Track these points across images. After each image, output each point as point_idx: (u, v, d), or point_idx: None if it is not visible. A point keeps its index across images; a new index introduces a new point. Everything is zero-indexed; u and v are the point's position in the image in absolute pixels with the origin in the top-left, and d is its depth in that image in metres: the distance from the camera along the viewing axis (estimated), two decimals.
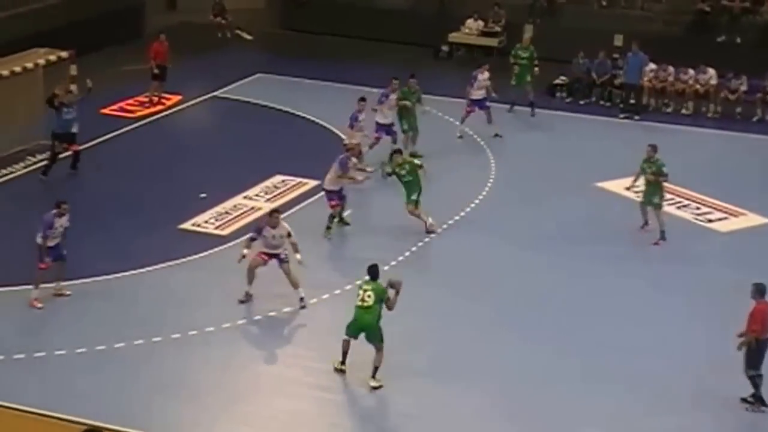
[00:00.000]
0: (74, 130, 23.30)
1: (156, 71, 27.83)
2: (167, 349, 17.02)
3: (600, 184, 23.75)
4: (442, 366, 16.89)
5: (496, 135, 26.43)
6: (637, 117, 28.54)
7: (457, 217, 22.00)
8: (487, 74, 26.55)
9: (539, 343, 17.52)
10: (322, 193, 21.34)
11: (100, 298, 18.45)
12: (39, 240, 17.94)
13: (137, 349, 16.93)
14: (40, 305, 17.89)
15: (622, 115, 28.73)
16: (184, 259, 19.74)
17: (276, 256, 18.31)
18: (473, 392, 16.22)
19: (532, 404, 16.03)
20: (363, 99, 23.64)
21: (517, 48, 28.98)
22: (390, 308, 16.50)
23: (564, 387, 16.41)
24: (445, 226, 21.56)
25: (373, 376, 16.29)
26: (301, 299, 18.30)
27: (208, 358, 16.96)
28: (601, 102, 29.73)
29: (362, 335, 16.37)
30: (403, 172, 21.06)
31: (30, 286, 18.04)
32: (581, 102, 29.69)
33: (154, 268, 19.41)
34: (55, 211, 18.02)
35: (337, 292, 18.78)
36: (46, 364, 16.44)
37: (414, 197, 21.03)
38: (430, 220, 21.04)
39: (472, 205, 22.69)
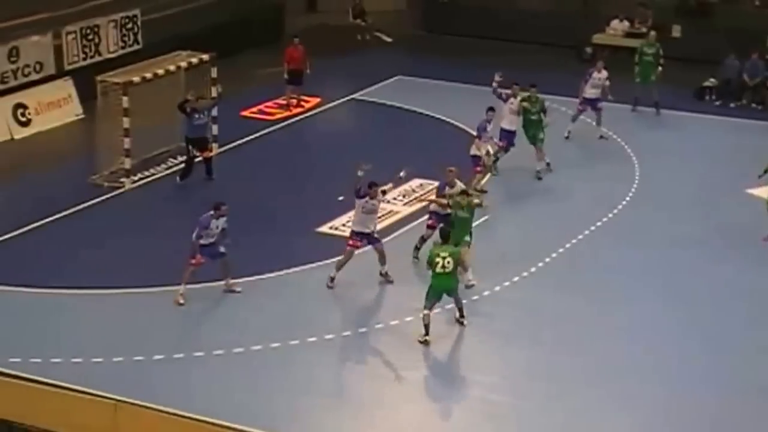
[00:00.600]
0: (207, 134, 23.43)
1: (286, 76, 27.73)
2: (302, 352, 16.90)
3: (750, 191, 22.76)
4: (577, 371, 16.45)
5: (601, 137, 25.65)
6: None
7: (599, 223, 21.44)
8: (605, 73, 25.71)
9: (683, 348, 17.05)
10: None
11: (238, 301, 18.45)
12: (193, 238, 18.02)
13: (273, 352, 16.86)
14: (182, 301, 17.99)
15: None
16: (320, 263, 19.58)
17: (368, 235, 18.68)
18: (628, 401, 15.76)
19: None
20: (491, 109, 22.95)
21: (643, 44, 28.06)
22: (465, 269, 17.22)
23: (711, 390, 15.89)
24: (586, 231, 21.03)
25: (462, 315, 17.37)
26: (386, 274, 18.79)
27: (341, 361, 16.88)
28: (753, 105, 28.59)
29: None
30: (460, 209, 18.78)
31: (179, 286, 18.10)
32: (731, 105, 28.60)
33: (291, 271, 19.36)
34: (212, 212, 18.11)
35: (475, 297, 18.49)
36: (186, 366, 16.49)
37: (468, 238, 18.75)
38: (470, 276, 18.69)
39: (616, 210, 22.08)
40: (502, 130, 23.53)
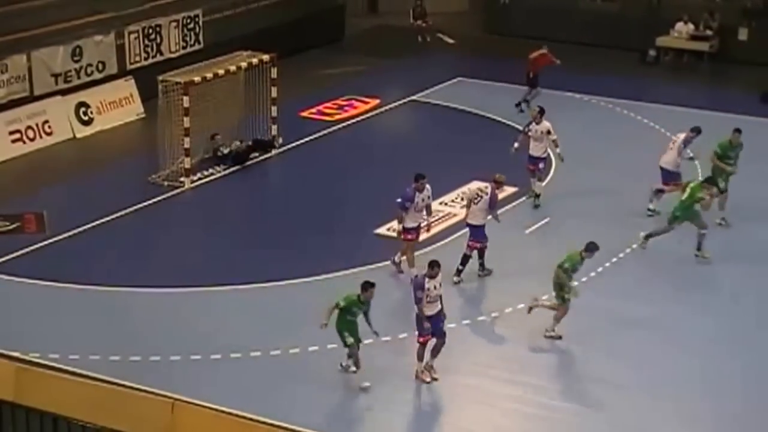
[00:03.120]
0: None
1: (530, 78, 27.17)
2: (360, 354, 16.74)
3: None
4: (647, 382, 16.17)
5: None
6: None
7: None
8: None
9: None
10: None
11: (294, 303, 18.40)
12: (416, 305, 16.00)
13: (330, 353, 16.75)
14: (428, 379, 16.14)
15: None
16: (378, 264, 19.49)
17: (417, 228, 18.83)
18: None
19: None
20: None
21: None
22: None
23: None
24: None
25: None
26: (398, 263, 18.99)
27: (400, 364, 16.67)
28: None
29: None
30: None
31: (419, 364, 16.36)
32: None
33: (348, 272, 19.23)
34: (424, 272, 16.19)
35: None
36: (243, 365, 16.47)
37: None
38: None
39: None
40: (530, 157, 22.02)
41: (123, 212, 21.54)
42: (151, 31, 27.72)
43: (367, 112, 27.69)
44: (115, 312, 18.07)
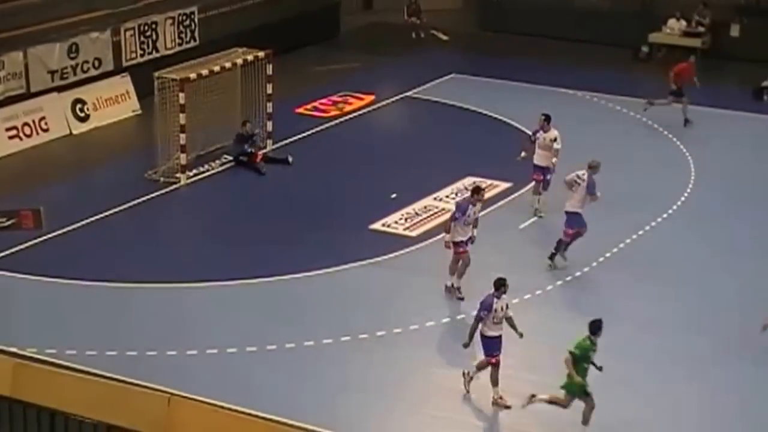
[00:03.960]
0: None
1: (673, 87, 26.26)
2: (355, 349, 16.96)
3: None
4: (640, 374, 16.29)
5: None
6: None
7: (653, 223, 21.23)
8: None
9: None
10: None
11: (290, 298, 18.53)
12: (473, 321, 15.69)
13: (325, 348, 16.93)
14: (508, 403, 15.59)
15: None
16: (373, 260, 19.65)
17: (467, 241, 18.28)
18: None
19: None
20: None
21: None
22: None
23: None
24: (640, 232, 20.82)
25: None
26: (458, 289, 18.27)
27: (395, 359, 16.83)
28: None
29: None
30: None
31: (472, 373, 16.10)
32: None
33: (343, 267, 19.40)
34: (493, 291, 15.69)
35: (527, 296, 18.47)
36: (238, 360, 16.61)
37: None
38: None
39: (671, 211, 21.88)
40: (535, 167, 21.53)
41: (119, 208, 21.65)
42: (146, 28, 27.81)
43: (362, 108, 27.83)
44: (112, 307, 18.19)
